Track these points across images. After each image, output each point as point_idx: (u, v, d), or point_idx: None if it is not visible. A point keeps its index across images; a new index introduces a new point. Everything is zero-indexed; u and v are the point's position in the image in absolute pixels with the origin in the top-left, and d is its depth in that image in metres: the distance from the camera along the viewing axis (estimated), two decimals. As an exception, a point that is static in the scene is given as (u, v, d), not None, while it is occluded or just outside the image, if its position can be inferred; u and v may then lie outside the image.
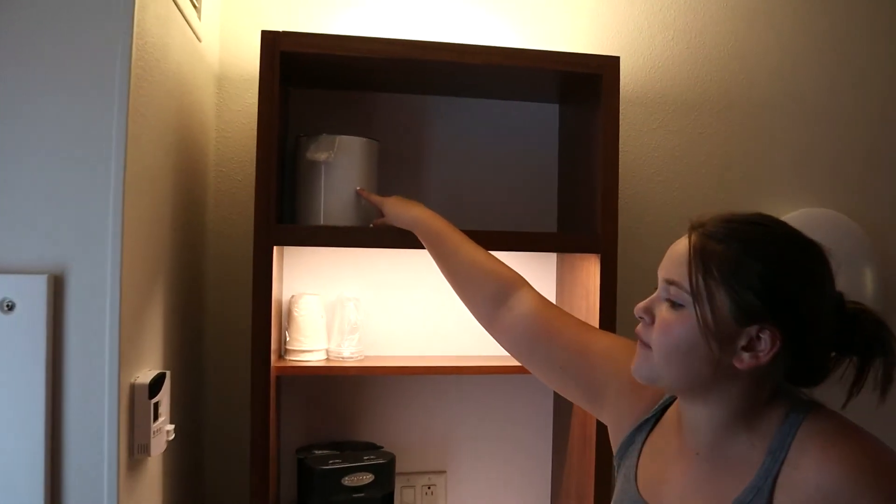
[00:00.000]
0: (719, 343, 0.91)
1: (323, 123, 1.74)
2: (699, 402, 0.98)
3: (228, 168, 1.83)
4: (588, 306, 1.67)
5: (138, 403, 1.22)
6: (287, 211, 1.68)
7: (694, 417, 1.00)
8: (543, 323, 1.26)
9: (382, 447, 1.77)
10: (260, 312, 1.48)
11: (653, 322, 0.98)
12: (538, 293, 1.32)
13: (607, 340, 1.22)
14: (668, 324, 0.95)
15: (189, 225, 1.63)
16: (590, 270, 1.66)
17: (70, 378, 1.12)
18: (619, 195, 1.62)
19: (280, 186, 1.63)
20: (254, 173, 1.49)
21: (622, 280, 1.62)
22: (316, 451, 1.69)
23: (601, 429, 1.59)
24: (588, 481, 1.62)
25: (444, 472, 1.88)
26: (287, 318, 1.71)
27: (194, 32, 1.58)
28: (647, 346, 0.98)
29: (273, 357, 1.62)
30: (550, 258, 1.91)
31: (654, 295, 1.00)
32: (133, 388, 1.22)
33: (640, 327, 1.00)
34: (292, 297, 1.71)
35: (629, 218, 1.94)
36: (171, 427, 1.35)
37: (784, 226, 0.97)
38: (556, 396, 1.90)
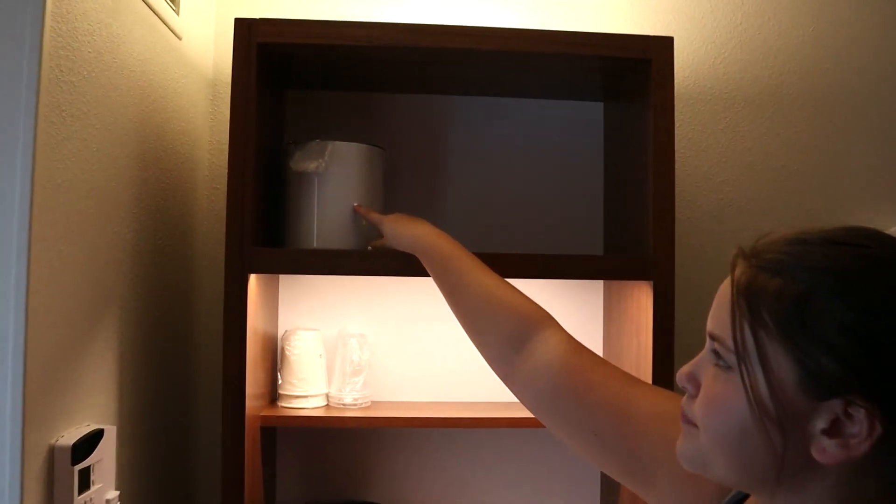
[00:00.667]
0: (781, 425, 0.61)
1: (324, 130, 1.49)
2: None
3: (225, 185, 1.59)
4: (639, 346, 1.36)
5: (58, 471, 0.98)
6: (280, 234, 1.43)
7: None
8: (574, 373, 0.94)
9: (390, 511, 1.50)
10: (232, 354, 1.23)
11: (698, 393, 0.68)
12: (568, 334, 1.01)
13: (658, 399, 0.89)
14: (712, 396, 0.66)
15: (169, 248, 1.40)
16: (640, 301, 1.36)
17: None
18: (677, 211, 1.32)
19: (269, 204, 1.39)
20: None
21: (682, 314, 1.31)
22: (309, 517, 1.43)
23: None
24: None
25: (468, 541, 1.59)
26: (280, 358, 1.46)
27: (169, 28, 1.36)
28: (693, 424, 0.68)
29: (260, 403, 1.37)
30: (595, 287, 1.61)
31: (702, 354, 0.70)
32: (52, 451, 0.98)
33: (685, 399, 0.71)
34: (285, 332, 1.46)
35: (690, 238, 1.62)
36: (113, 495, 1.11)
37: (887, 246, 0.64)
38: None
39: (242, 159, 1.23)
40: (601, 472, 1.60)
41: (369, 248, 1.30)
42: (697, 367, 0.70)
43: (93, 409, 1.10)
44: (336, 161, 1.33)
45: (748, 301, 0.63)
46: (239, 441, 1.23)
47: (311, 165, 1.30)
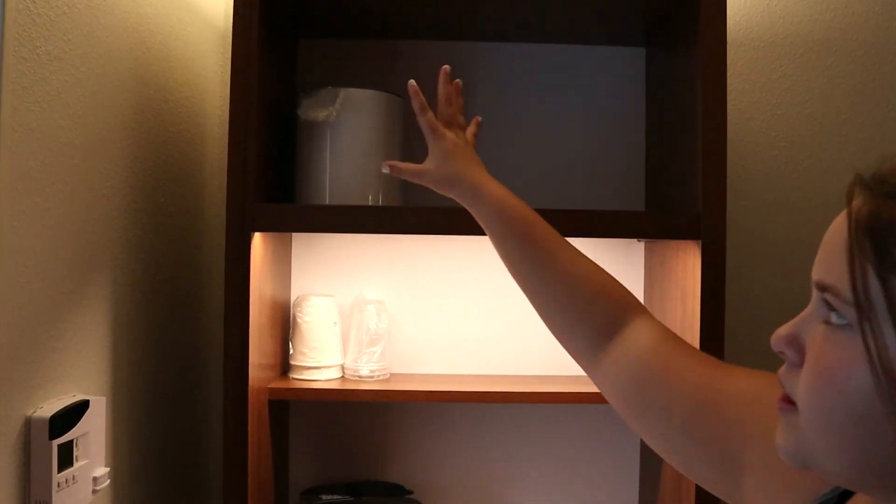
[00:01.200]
0: None
1: (340, 81, 1.36)
2: None
3: (235, 141, 1.48)
4: (685, 313, 1.23)
5: (35, 445, 0.89)
6: (291, 191, 1.31)
7: None
8: (664, 358, 0.79)
9: (412, 493, 1.39)
10: (234, 319, 1.12)
11: (800, 362, 0.53)
12: (658, 321, 0.86)
13: (754, 381, 0.74)
14: (822, 364, 0.51)
15: (172, 207, 1.30)
16: (687, 264, 1.22)
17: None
18: (728, 165, 1.18)
19: (280, 159, 1.28)
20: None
21: (733, 278, 1.17)
22: (324, 497, 1.32)
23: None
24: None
25: (496, 523, 1.48)
26: (292, 325, 1.35)
27: (168, -35, 1.25)
28: (791, 403, 0.53)
29: (269, 375, 1.26)
30: (636, 248, 1.48)
31: (806, 311, 0.55)
32: (29, 424, 0.88)
33: (782, 371, 0.55)
34: (297, 298, 1.35)
35: (741, 198, 1.47)
36: (102, 472, 1.01)
37: None
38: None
39: (244, 107, 1.12)
40: (641, 450, 1.47)
41: (384, 168, 0.98)
42: (800, 326, 0.54)
43: (80, 379, 1.01)
44: (349, 109, 1.21)
45: (872, 238, 0.49)
46: (242, 415, 1.13)
47: (322, 114, 1.19)
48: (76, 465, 0.94)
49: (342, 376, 1.35)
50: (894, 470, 0.48)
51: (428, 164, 0.96)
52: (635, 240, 1.47)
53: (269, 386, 1.25)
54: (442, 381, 1.34)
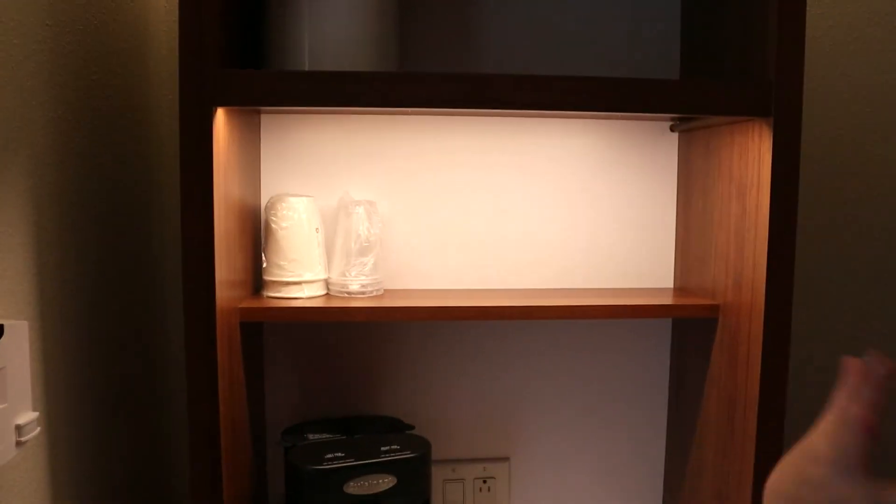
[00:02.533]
0: None
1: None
2: None
3: None
4: (744, 211, 1.02)
5: (-74, 386, 0.65)
6: (263, 58, 1.05)
7: None
8: None
9: (412, 427, 1.18)
10: (193, 222, 0.88)
11: None
12: None
13: None
14: None
15: (112, 81, 1.03)
16: (748, 149, 1.01)
17: None
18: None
19: (250, 19, 1.01)
20: None
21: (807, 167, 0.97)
22: (310, 436, 1.10)
23: (771, 413, 0.97)
24: (743, 489, 1.01)
25: (506, 459, 1.28)
26: (265, 233, 1.11)
27: None
28: None
29: (239, 293, 1.03)
30: (666, 140, 1.26)
31: None
32: (-85, 357, 0.64)
33: None
34: (270, 200, 1.10)
35: (816, 68, 1.25)
36: (29, 418, 0.77)
37: None
38: (677, 348, 1.27)
39: (197, -61, 0.85)
40: (670, 360, 1.28)
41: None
42: None
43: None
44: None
45: None
46: (208, 342, 0.89)
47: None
48: (-10, 410, 0.70)
49: (327, 293, 1.12)
50: None
51: None
52: (667, 127, 1.25)
53: (240, 306, 1.01)
54: (445, 297, 1.11)
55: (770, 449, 0.98)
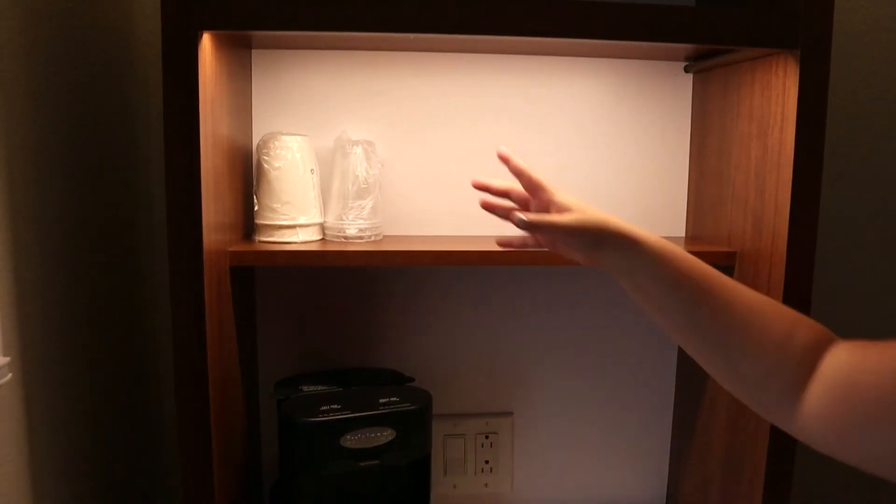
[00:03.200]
0: None
1: None
2: None
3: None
4: (766, 149, 0.96)
5: None
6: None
7: None
8: (874, 365, 0.57)
9: (412, 380, 1.13)
10: (178, 155, 0.82)
11: None
12: (850, 341, 0.63)
13: None
14: None
15: (87, 15, 0.96)
16: (771, 85, 0.95)
17: None
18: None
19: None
20: None
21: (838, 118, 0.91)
22: (305, 388, 1.05)
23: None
24: (757, 451, 0.96)
25: (509, 413, 1.23)
26: (256, 174, 1.04)
27: None
28: None
29: (229, 238, 0.97)
30: (679, 82, 1.19)
31: None
32: None
33: None
34: (263, 138, 1.03)
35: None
36: (0, 363, 0.72)
37: None
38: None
39: None
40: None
41: (522, 218, 0.73)
42: None
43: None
44: None
45: None
46: (195, 286, 0.84)
47: None
48: (-45, 352, 0.65)
49: (322, 238, 1.06)
50: None
51: (575, 215, 0.73)
52: (681, 68, 1.18)
53: (230, 249, 0.95)
54: (446, 243, 1.05)
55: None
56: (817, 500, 1.38)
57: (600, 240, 0.71)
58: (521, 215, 0.73)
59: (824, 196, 0.91)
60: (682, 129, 1.20)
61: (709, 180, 1.13)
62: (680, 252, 0.70)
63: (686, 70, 1.18)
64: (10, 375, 0.73)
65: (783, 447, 0.95)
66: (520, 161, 0.80)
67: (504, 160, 0.81)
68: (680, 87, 1.19)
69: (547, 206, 0.77)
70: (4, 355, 0.74)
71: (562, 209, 0.74)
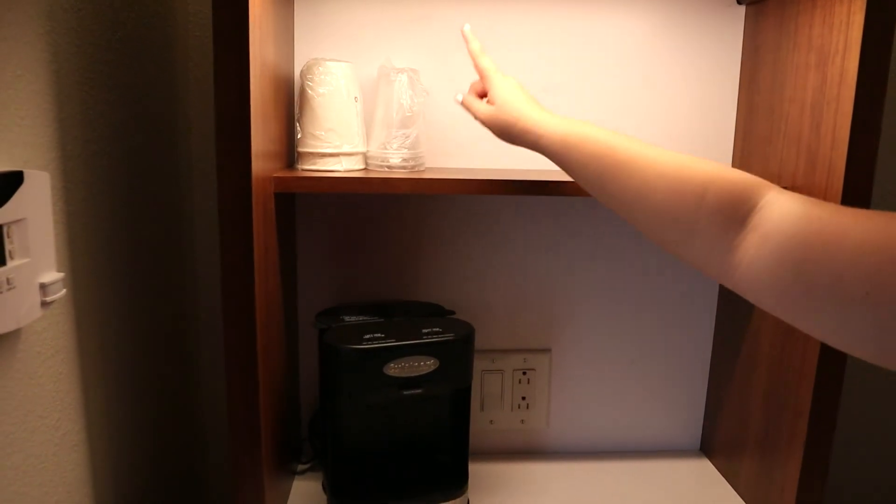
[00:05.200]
0: None
1: None
2: None
3: None
4: (825, 81, 0.93)
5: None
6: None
7: None
8: (816, 227, 0.57)
9: (453, 312, 1.13)
10: (228, 80, 0.80)
11: None
12: (792, 192, 0.64)
13: None
14: None
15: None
16: (829, 16, 0.91)
17: None
18: None
19: None
20: None
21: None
22: (346, 318, 1.05)
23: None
24: (801, 389, 0.95)
25: (547, 350, 1.23)
26: (299, 101, 1.03)
27: None
28: None
29: (274, 164, 0.96)
30: (732, 14, 1.16)
31: None
32: (-71, 197, 0.58)
33: None
34: (307, 64, 1.02)
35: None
36: (54, 278, 0.72)
37: None
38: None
39: None
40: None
41: (457, 98, 0.96)
42: None
43: (8, 145, 0.69)
44: None
45: None
46: (244, 211, 0.83)
47: None
48: (10, 264, 0.65)
49: (365, 167, 1.05)
50: None
51: (491, 109, 0.89)
52: (734, 1, 1.14)
53: (275, 175, 0.94)
54: (490, 174, 1.04)
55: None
56: (861, 436, 1.37)
57: (507, 135, 0.87)
58: (458, 95, 0.95)
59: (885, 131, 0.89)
60: (731, 62, 1.17)
61: (759, 115, 1.10)
62: (588, 135, 0.77)
63: (739, 2, 1.15)
64: (63, 291, 0.73)
65: (828, 383, 0.94)
66: (475, 45, 0.94)
67: (464, 40, 0.95)
68: (731, 19, 1.16)
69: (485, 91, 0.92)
70: (58, 271, 0.74)
71: (490, 100, 0.89)
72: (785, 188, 1.00)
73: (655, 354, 1.25)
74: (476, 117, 0.91)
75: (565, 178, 0.96)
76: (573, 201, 1.18)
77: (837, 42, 0.90)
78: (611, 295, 1.22)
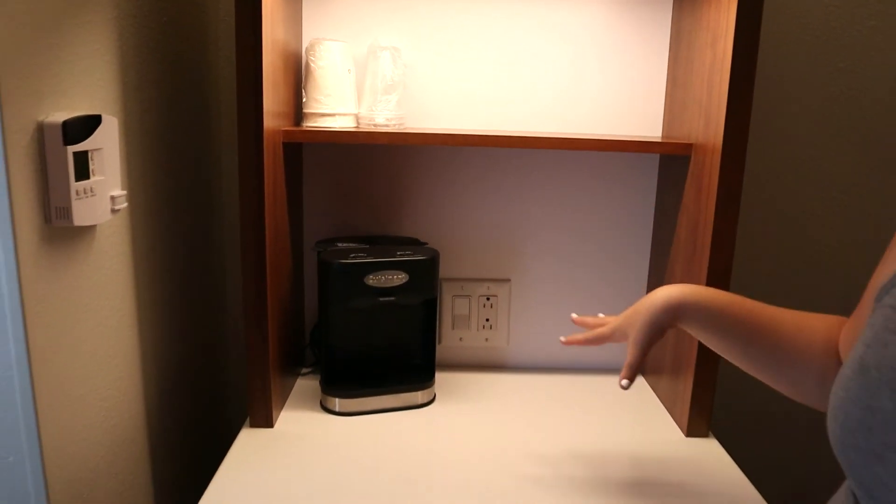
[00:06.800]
0: None
1: None
2: None
3: None
4: (714, 56, 1.17)
5: (50, 150, 0.86)
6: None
7: None
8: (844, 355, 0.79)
9: (426, 243, 1.39)
10: (246, 56, 1.07)
11: None
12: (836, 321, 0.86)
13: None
14: None
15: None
16: (720, 3, 1.16)
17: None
18: None
19: None
20: None
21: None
22: (339, 244, 1.33)
23: (721, 235, 1.16)
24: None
25: (507, 280, 1.49)
26: (305, 72, 1.30)
27: None
28: None
29: (283, 121, 1.23)
30: (663, 2, 1.40)
31: None
32: (41, 129, 0.86)
33: None
34: (310, 42, 1.29)
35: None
36: (120, 193, 1.00)
37: None
38: (662, 185, 1.45)
39: None
40: (657, 192, 1.47)
41: (562, 340, 1.11)
42: None
43: (89, 96, 0.97)
44: None
45: None
46: (257, 157, 1.10)
47: None
48: (93, 178, 0.93)
49: (357, 126, 1.32)
50: None
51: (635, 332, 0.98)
52: (664, -8, 1.39)
53: (284, 129, 1.22)
54: (458, 131, 1.30)
55: (721, 259, 1.17)
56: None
57: (672, 321, 0.95)
58: (624, 382, 0.97)
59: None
60: (663, 45, 1.41)
61: (679, 87, 1.35)
62: (726, 302, 0.91)
63: (668, -8, 1.39)
64: (125, 204, 1.01)
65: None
66: (588, 322, 1.12)
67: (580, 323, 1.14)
68: (663, 7, 1.40)
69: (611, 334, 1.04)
70: (122, 189, 1.02)
71: (624, 330, 1.01)
72: (691, 144, 1.25)
73: (597, 280, 1.50)
74: (646, 347, 0.97)
75: (514, 134, 1.22)
76: (529, 152, 1.44)
77: (722, 26, 1.15)
78: (560, 232, 1.48)
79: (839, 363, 0.80)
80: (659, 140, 1.33)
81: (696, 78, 1.26)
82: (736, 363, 0.93)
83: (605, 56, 1.41)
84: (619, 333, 1.02)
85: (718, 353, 0.94)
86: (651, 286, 1.49)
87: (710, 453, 1.21)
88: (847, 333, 0.79)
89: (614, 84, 1.42)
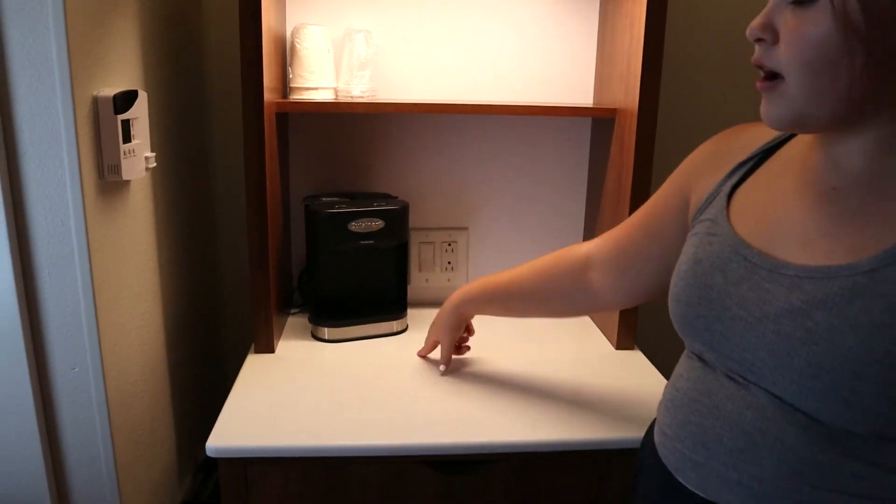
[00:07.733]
0: (874, 40, 0.63)
1: None
2: (851, 134, 0.71)
3: None
4: (632, 39, 1.43)
5: (103, 118, 1.09)
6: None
7: (837, 151, 0.74)
8: (615, 253, 1.11)
9: (397, 197, 1.64)
10: (249, 40, 1.30)
11: (776, 41, 0.69)
12: (592, 241, 1.18)
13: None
14: (800, 32, 0.66)
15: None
16: (635, -5, 1.41)
17: (19, 92, 0.98)
18: None
19: None
20: None
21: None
22: (324, 199, 1.57)
23: (638, 184, 1.42)
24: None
25: (465, 228, 1.75)
26: (290, 52, 1.53)
27: None
28: (774, 77, 0.70)
29: (274, 95, 1.46)
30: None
31: (769, 5, 0.70)
32: (96, 101, 1.08)
33: (758, 54, 0.71)
34: (295, 27, 1.51)
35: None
36: (151, 154, 1.23)
37: None
38: (594, 144, 1.72)
39: None
40: (590, 151, 1.73)
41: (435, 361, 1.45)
42: (770, 15, 0.69)
43: (125, 75, 1.19)
44: None
45: None
46: (259, 128, 1.32)
47: None
48: (133, 142, 1.15)
49: (336, 98, 1.55)
50: (862, 103, 0.67)
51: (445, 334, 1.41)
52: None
53: (276, 101, 1.45)
54: (422, 101, 1.55)
55: (638, 203, 1.44)
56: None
57: (460, 320, 1.38)
58: (442, 367, 1.40)
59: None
60: (593, 26, 1.67)
61: (605, 62, 1.61)
62: (490, 287, 1.30)
63: (596, -17, 1.65)
64: (155, 164, 1.24)
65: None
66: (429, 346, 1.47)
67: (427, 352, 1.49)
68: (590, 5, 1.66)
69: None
70: (152, 151, 1.25)
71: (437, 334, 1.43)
72: (615, 109, 1.51)
73: (541, 227, 1.77)
74: (451, 343, 1.41)
75: (467, 103, 1.47)
76: (482, 119, 1.69)
77: (635, 14, 1.40)
78: (510, 186, 1.74)
79: (588, 269, 1.15)
80: (590, 106, 1.59)
81: (618, 55, 1.52)
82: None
83: (546, 37, 1.66)
84: (438, 337, 1.41)
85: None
86: (586, 230, 1.76)
87: (635, 362, 1.49)
88: (619, 243, 1.11)
89: (554, 60, 1.67)
